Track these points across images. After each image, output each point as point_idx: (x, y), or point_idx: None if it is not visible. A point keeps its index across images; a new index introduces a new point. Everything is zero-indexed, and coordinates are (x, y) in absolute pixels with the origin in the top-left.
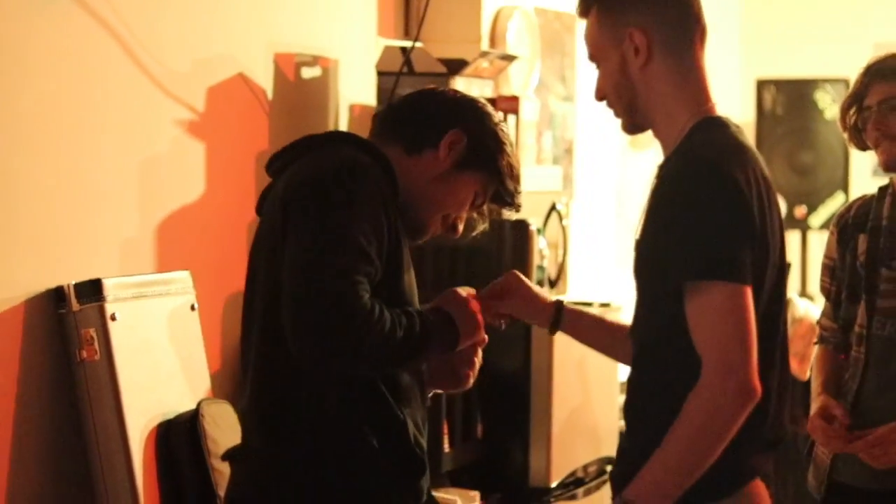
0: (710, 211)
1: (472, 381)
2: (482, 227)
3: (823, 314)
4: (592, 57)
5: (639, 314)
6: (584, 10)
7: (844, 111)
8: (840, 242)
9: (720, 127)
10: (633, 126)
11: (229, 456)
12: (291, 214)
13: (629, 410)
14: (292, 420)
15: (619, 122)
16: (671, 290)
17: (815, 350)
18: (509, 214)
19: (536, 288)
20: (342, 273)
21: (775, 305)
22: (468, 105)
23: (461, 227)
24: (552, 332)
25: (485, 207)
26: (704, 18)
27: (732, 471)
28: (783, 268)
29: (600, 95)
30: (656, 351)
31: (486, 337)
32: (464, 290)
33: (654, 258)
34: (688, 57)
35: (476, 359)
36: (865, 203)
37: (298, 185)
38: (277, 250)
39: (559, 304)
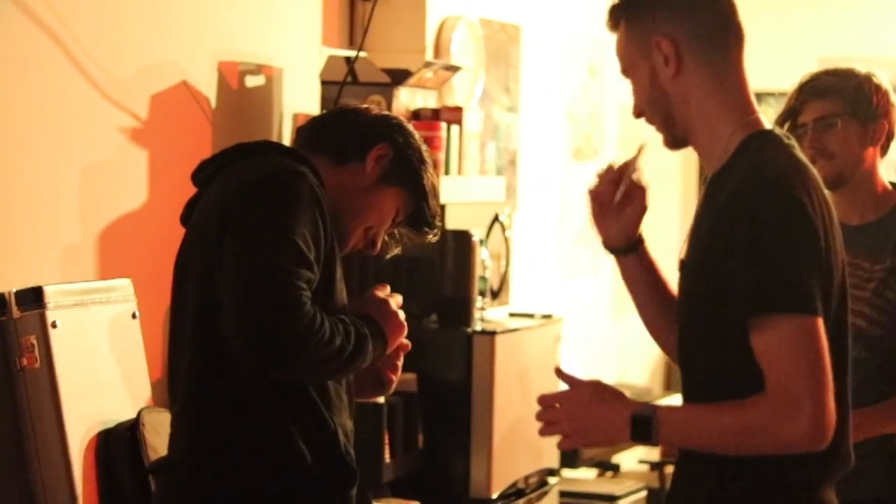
0: (779, 239)
1: (394, 386)
2: (395, 250)
3: None
4: (625, 71)
5: (692, 339)
6: (614, 24)
7: (778, 127)
8: None
9: (777, 143)
10: (674, 140)
11: (154, 468)
12: (229, 220)
13: None
14: (222, 429)
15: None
16: (736, 319)
17: None
18: (430, 236)
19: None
20: (285, 279)
21: (841, 329)
22: (394, 122)
23: (379, 243)
24: (623, 254)
25: (396, 232)
26: (739, 18)
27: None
28: (845, 291)
29: (637, 112)
30: (716, 378)
31: (408, 343)
32: (382, 292)
33: (716, 285)
34: (723, 63)
35: (399, 363)
36: None
37: (235, 192)
38: (212, 257)
39: (641, 237)
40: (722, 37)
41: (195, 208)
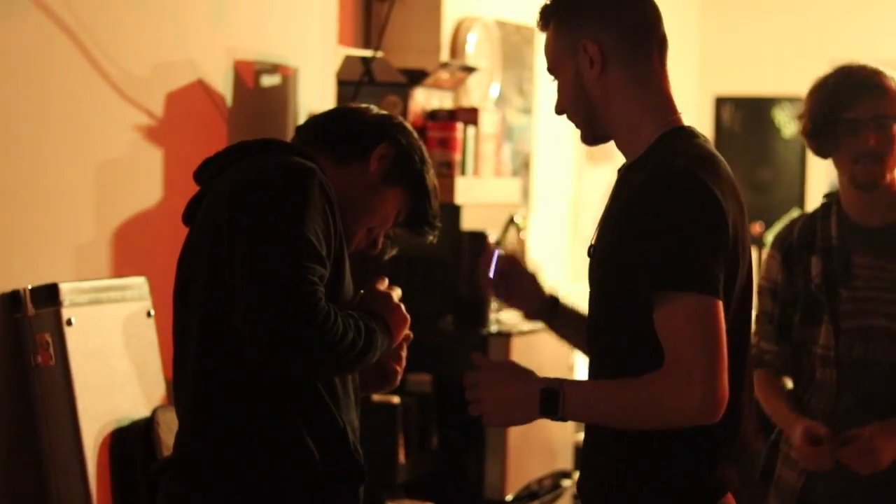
0: (685, 221)
1: (399, 378)
2: (392, 251)
3: (762, 337)
4: (551, 70)
5: (600, 322)
6: (544, 24)
7: (815, 113)
8: (786, 265)
9: (689, 137)
10: (592, 137)
11: (159, 470)
12: (240, 217)
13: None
14: (229, 427)
15: (578, 133)
16: (641, 298)
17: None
18: (430, 237)
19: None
20: (299, 276)
21: (742, 322)
22: (395, 121)
23: (381, 243)
24: (544, 319)
25: (392, 232)
26: (663, 28)
27: (709, 487)
28: (749, 285)
29: (559, 109)
30: (622, 359)
31: (411, 333)
32: (382, 284)
33: (623, 266)
34: (645, 68)
35: (403, 353)
36: (807, 223)
37: (245, 189)
38: (222, 255)
39: (554, 298)
40: (646, 43)
41: (199, 207)
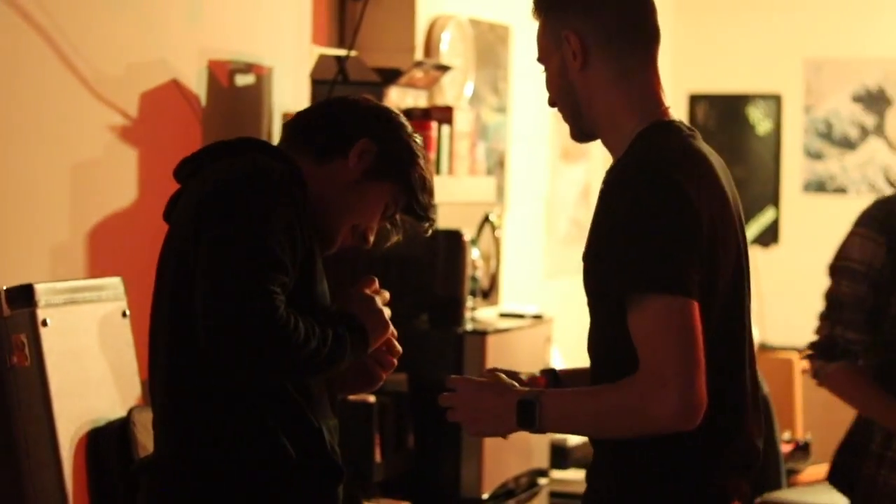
0: (654, 221)
1: (383, 380)
2: (395, 238)
3: (846, 326)
4: (540, 60)
5: (591, 328)
6: (535, 12)
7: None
8: (890, 249)
9: (671, 132)
10: (580, 133)
11: (139, 469)
12: (205, 222)
13: None
14: (207, 430)
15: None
16: (616, 302)
17: (835, 367)
18: (425, 228)
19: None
20: (258, 285)
21: (735, 321)
22: (380, 115)
23: (371, 238)
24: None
25: (397, 218)
26: (655, 21)
27: (710, 496)
28: (742, 282)
29: (551, 102)
30: (613, 365)
31: (394, 330)
32: (369, 288)
33: (600, 269)
34: (630, 62)
35: (394, 360)
36: None
37: (211, 193)
38: (189, 257)
39: (553, 373)
40: (632, 37)
41: (177, 205)
